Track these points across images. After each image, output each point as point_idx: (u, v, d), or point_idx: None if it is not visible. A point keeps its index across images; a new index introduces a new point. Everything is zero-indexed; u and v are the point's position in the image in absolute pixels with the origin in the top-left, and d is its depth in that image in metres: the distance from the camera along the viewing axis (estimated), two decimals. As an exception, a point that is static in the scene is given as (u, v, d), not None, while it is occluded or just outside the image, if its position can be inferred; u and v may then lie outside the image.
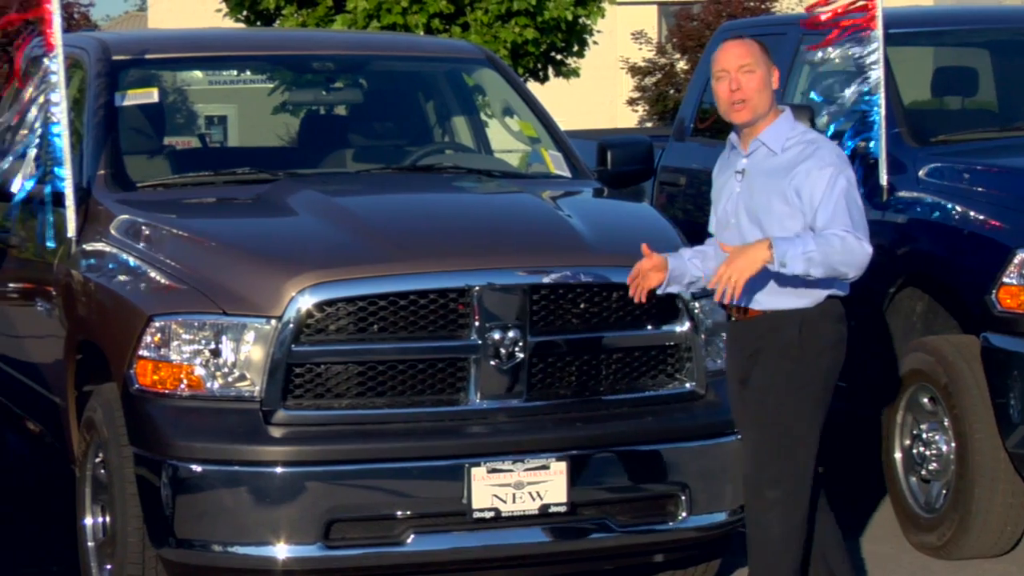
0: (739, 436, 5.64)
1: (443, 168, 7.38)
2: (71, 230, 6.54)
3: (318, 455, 5.62)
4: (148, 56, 7.53)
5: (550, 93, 18.32)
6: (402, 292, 5.73)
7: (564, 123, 8.28)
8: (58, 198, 6.57)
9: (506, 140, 8.03)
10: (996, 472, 6.85)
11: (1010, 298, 6.75)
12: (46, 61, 6.69)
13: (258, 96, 8.50)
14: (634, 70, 30.72)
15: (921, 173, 7.59)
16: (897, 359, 7.40)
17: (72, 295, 6.53)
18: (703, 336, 6.01)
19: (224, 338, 5.68)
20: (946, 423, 7.06)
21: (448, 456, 5.70)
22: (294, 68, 8.08)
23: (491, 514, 5.69)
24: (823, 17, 7.68)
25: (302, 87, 8.26)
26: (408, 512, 5.65)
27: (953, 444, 7.02)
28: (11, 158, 6.78)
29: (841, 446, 9.20)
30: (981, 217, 7.11)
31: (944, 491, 7.11)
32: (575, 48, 20.86)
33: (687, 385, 6.04)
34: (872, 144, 7.58)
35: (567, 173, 7.38)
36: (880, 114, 7.55)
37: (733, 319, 5.48)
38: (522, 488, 5.71)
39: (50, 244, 6.67)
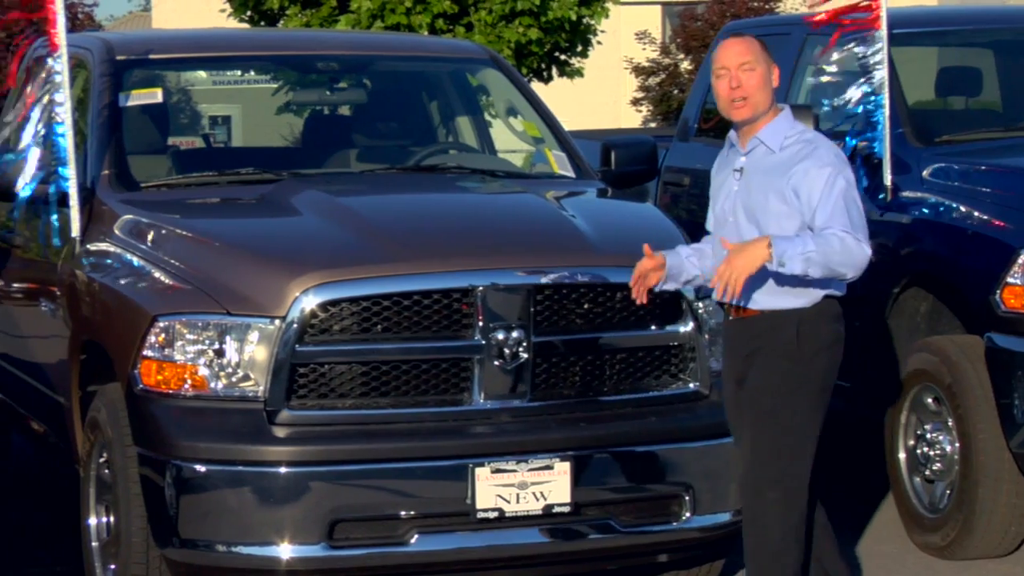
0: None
1: (447, 168, 7.38)
2: (75, 230, 6.54)
3: (322, 455, 5.62)
4: (152, 56, 7.54)
5: (554, 93, 18.30)
6: (406, 292, 5.73)
7: (568, 123, 8.28)
8: (62, 198, 6.58)
9: (510, 140, 8.03)
10: (1000, 472, 6.85)
11: (1014, 298, 6.74)
12: (50, 61, 6.69)
13: (262, 96, 8.50)
14: (638, 70, 30.71)
15: (925, 173, 7.59)
16: (901, 359, 7.40)
17: (76, 295, 6.53)
18: (707, 336, 6.01)
19: (228, 338, 5.68)
20: (950, 423, 7.06)
21: (452, 456, 5.70)
22: (298, 68, 8.09)
23: (495, 514, 5.69)
24: (820, 16, 7.67)
25: (306, 87, 8.26)
26: (412, 512, 5.65)
27: (957, 444, 7.01)
28: (15, 158, 6.78)
29: (845, 446, 9.21)
30: (985, 217, 7.11)
31: (948, 491, 7.11)
32: (579, 48, 20.86)
33: (691, 385, 6.04)
34: (876, 144, 7.58)
35: (571, 173, 7.37)
36: (884, 114, 7.55)
37: (730, 318, 5.47)
38: (526, 488, 5.71)
39: (56, 242, 6.67)
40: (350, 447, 5.65)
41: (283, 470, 5.57)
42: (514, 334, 5.75)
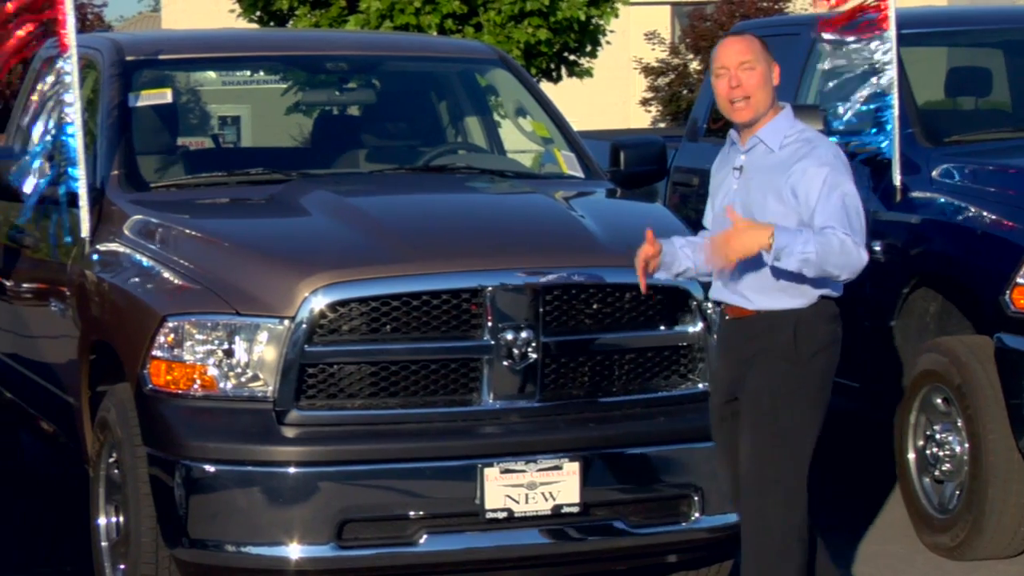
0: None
1: (456, 168, 7.38)
2: (85, 230, 6.55)
3: (331, 455, 5.62)
4: (162, 57, 7.54)
5: (563, 93, 18.32)
6: (415, 292, 5.73)
7: (577, 123, 8.28)
8: (72, 198, 6.58)
9: (519, 140, 8.04)
10: (1010, 473, 6.84)
11: (1024, 298, 6.74)
12: (60, 62, 6.70)
13: (271, 96, 8.50)
14: (647, 70, 30.72)
15: (934, 173, 7.58)
16: (910, 360, 7.39)
17: (86, 295, 6.54)
18: (715, 336, 6.00)
19: (237, 338, 5.69)
20: (960, 424, 7.05)
21: (461, 456, 5.70)
22: (307, 68, 8.09)
23: (504, 514, 5.69)
24: (833, 18, 7.67)
25: (315, 87, 8.27)
26: (421, 512, 5.65)
27: (967, 445, 7.01)
28: (25, 158, 6.80)
29: (854, 446, 9.20)
30: (995, 217, 7.10)
31: (957, 492, 7.10)
32: (588, 48, 20.86)
33: (700, 386, 6.03)
34: (885, 144, 7.57)
35: (580, 173, 7.37)
36: (893, 114, 7.54)
37: (727, 318, 5.46)
38: (535, 488, 5.71)
39: (67, 240, 6.68)
40: (359, 447, 5.65)
41: (292, 470, 5.58)
42: (523, 334, 5.75)
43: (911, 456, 7.34)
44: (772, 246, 5.06)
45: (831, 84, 7.96)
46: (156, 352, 5.76)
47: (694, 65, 29.92)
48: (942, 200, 7.43)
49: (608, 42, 21.38)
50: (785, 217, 5.23)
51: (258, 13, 20.53)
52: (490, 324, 5.74)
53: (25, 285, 7.64)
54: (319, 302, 5.65)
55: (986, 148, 7.89)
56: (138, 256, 6.27)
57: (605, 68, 23.66)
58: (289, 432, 5.64)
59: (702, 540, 6.01)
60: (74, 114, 6.59)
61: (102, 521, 6.26)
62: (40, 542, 7.59)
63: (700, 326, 6.00)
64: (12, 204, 7.21)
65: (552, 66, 20.70)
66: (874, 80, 7.60)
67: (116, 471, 6.10)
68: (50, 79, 6.84)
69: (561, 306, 5.85)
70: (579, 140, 7.59)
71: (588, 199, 7.04)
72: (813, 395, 5.32)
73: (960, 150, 7.80)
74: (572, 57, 20.89)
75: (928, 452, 7.25)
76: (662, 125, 29.19)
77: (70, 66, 6.62)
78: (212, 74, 8.44)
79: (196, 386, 5.71)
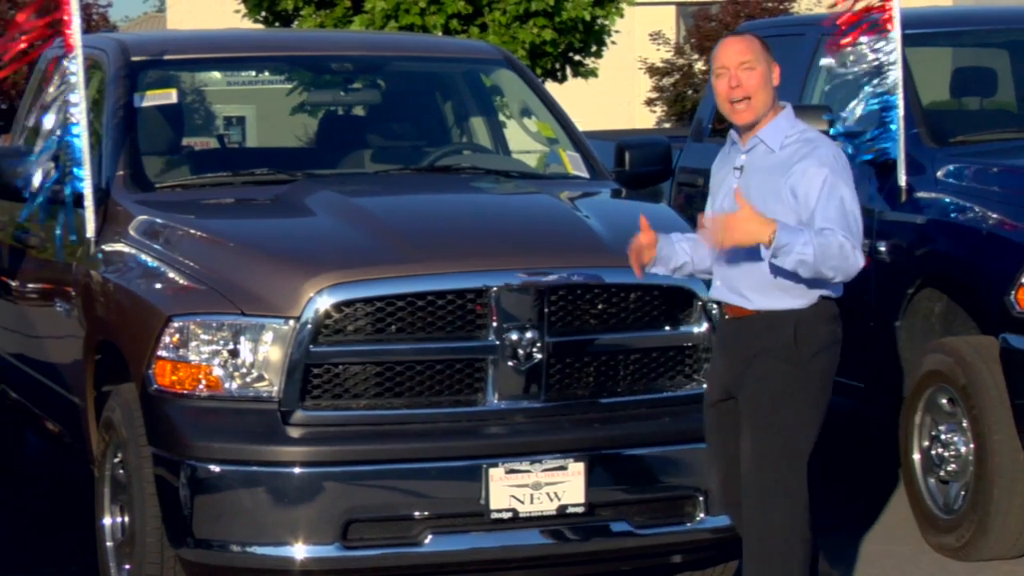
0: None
1: (461, 169, 7.39)
2: (90, 230, 6.55)
3: (336, 455, 5.62)
4: (167, 57, 7.55)
5: (568, 93, 18.29)
6: (420, 293, 5.73)
7: (582, 124, 8.28)
8: (77, 199, 6.59)
9: (524, 141, 8.04)
10: (1015, 473, 6.84)
11: (1029, 299, 6.74)
12: (65, 62, 6.70)
13: (276, 97, 8.51)
14: (652, 71, 30.70)
15: (939, 174, 7.58)
16: (915, 360, 7.39)
17: (91, 295, 6.54)
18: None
19: (242, 338, 5.69)
20: (965, 424, 7.05)
21: (466, 457, 5.70)
22: (312, 69, 8.09)
23: (509, 515, 5.69)
24: (840, 19, 7.67)
25: (320, 88, 8.27)
26: (426, 513, 5.65)
27: (972, 445, 7.00)
28: (31, 159, 6.80)
29: (859, 447, 9.20)
30: (1000, 218, 7.10)
31: (963, 492, 7.10)
32: (593, 48, 20.86)
33: (705, 386, 6.02)
34: (890, 145, 7.57)
35: (585, 174, 7.38)
36: (898, 115, 7.54)
37: (726, 317, 5.46)
38: (540, 489, 5.71)
39: (73, 240, 6.68)
40: (364, 447, 5.65)
41: (297, 470, 5.58)
42: (528, 335, 5.75)
43: (916, 456, 7.34)
44: (772, 242, 5.05)
45: (836, 84, 7.96)
46: (161, 352, 5.76)
47: (699, 65, 29.90)
48: (947, 201, 7.43)
49: (613, 42, 21.38)
50: (785, 217, 5.22)
51: (263, 13, 20.54)
52: (495, 324, 5.74)
53: (30, 285, 7.64)
54: (324, 302, 5.65)
55: (991, 148, 7.88)
56: (143, 256, 6.27)
57: (610, 68, 23.66)
58: (294, 432, 5.64)
59: (707, 540, 6.01)
60: (79, 114, 6.59)
61: (107, 521, 6.26)
62: (45, 542, 7.60)
63: (705, 326, 6.00)
64: (16, 204, 7.22)
65: (557, 66, 20.70)
66: (879, 80, 7.60)
67: (121, 471, 6.10)
68: (56, 79, 6.84)
69: (566, 306, 5.85)
70: (584, 140, 7.59)
71: (593, 199, 7.04)
72: (814, 395, 5.32)
73: (965, 150, 7.79)
74: (577, 57, 20.89)
75: (933, 452, 7.24)
76: (667, 125, 29.17)
77: (75, 66, 6.63)
78: (217, 74, 8.44)
79: (201, 386, 5.71)
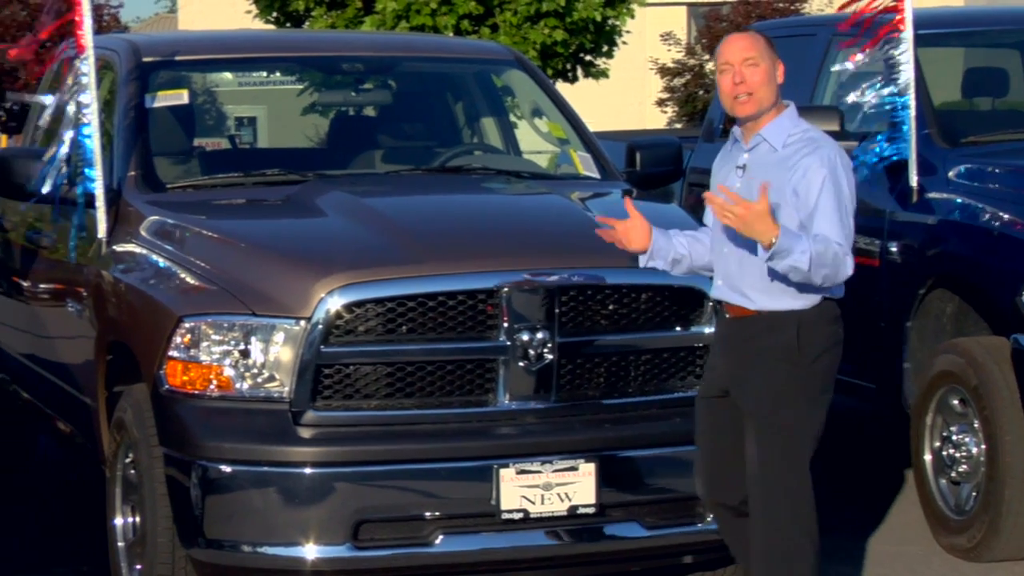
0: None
1: (472, 169, 7.39)
2: (101, 231, 6.56)
3: (347, 456, 5.63)
4: (178, 58, 7.56)
5: (579, 94, 18.31)
6: (431, 293, 5.73)
7: (593, 124, 8.27)
8: (89, 199, 6.60)
9: (535, 141, 8.03)
10: (1027, 474, 6.83)
11: (1041, 299, 6.73)
12: (77, 63, 6.71)
13: (288, 97, 8.52)
14: (663, 71, 30.72)
15: (951, 174, 7.57)
16: (927, 361, 7.38)
17: (102, 296, 6.55)
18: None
19: (253, 339, 5.69)
20: (976, 425, 7.04)
21: (477, 457, 5.70)
22: (323, 69, 8.10)
23: (520, 515, 5.69)
24: (851, 18, 7.67)
25: (331, 88, 8.27)
26: (437, 513, 5.65)
27: (983, 446, 6.99)
28: (43, 159, 6.81)
29: (870, 447, 9.19)
30: (1012, 218, 7.09)
31: (974, 493, 7.09)
32: (604, 49, 20.86)
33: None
34: (902, 145, 7.56)
35: (596, 174, 7.37)
36: (910, 115, 7.53)
37: (727, 316, 5.45)
38: (551, 489, 5.71)
39: (84, 239, 6.69)
40: (375, 448, 5.65)
41: (308, 471, 5.58)
42: (539, 335, 5.75)
43: (927, 457, 7.33)
44: (772, 245, 5.04)
45: (847, 85, 7.95)
46: (172, 352, 5.76)
47: (710, 66, 29.90)
48: (959, 201, 7.42)
49: (624, 43, 21.38)
50: (786, 215, 5.21)
51: (274, 14, 20.56)
52: (506, 325, 5.74)
53: (42, 286, 7.65)
54: (335, 303, 5.66)
55: (1003, 149, 7.87)
56: (155, 257, 6.28)
57: (621, 69, 23.66)
58: (305, 433, 5.64)
59: (718, 541, 5.99)
60: (91, 115, 6.60)
61: (119, 521, 6.27)
62: (57, 542, 7.61)
63: (715, 327, 5.99)
64: (28, 205, 7.23)
65: (568, 67, 20.71)
66: (891, 81, 7.59)
67: (132, 471, 6.11)
68: (68, 80, 6.85)
69: (577, 307, 5.85)
70: (595, 141, 7.58)
71: (604, 200, 7.03)
72: (815, 395, 5.32)
73: (977, 151, 7.78)
74: (588, 58, 20.89)
75: (945, 453, 7.24)
76: (678, 126, 29.19)
77: (87, 67, 6.64)
78: (228, 75, 8.45)
79: (212, 386, 5.72)
